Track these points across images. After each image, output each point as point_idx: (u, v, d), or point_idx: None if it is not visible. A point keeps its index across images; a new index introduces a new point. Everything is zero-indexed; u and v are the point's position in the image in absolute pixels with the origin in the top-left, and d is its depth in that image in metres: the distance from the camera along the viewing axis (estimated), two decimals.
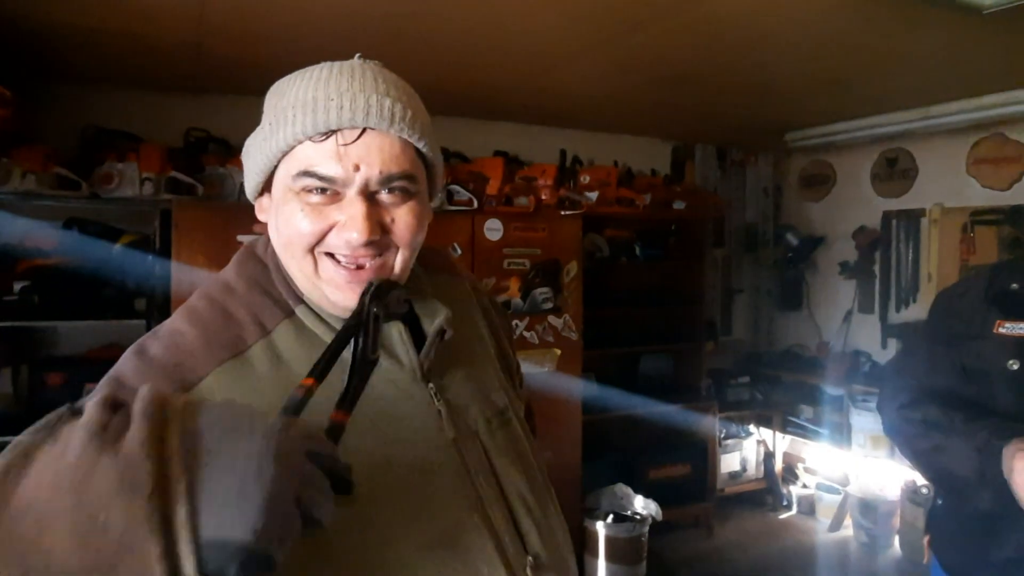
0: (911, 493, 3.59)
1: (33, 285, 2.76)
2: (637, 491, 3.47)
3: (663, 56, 2.65)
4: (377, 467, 0.70)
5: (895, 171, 4.15)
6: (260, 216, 0.77)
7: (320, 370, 0.57)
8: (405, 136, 0.70)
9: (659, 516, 3.41)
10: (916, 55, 2.66)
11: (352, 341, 0.60)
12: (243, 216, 2.91)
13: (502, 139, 3.76)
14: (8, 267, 2.76)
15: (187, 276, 2.78)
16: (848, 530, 3.91)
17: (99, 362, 2.97)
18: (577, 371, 3.41)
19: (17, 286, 2.76)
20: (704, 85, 3.08)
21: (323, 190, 0.69)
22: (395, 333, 0.76)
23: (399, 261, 0.73)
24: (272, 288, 0.75)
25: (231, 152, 3.09)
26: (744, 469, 4.26)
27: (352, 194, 0.69)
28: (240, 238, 2.89)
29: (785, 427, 4.34)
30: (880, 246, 4.17)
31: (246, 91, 3.27)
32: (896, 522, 3.69)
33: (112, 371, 0.70)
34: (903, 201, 4.10)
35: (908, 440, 1.38)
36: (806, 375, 4.29)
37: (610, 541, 3.26)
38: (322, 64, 0.73)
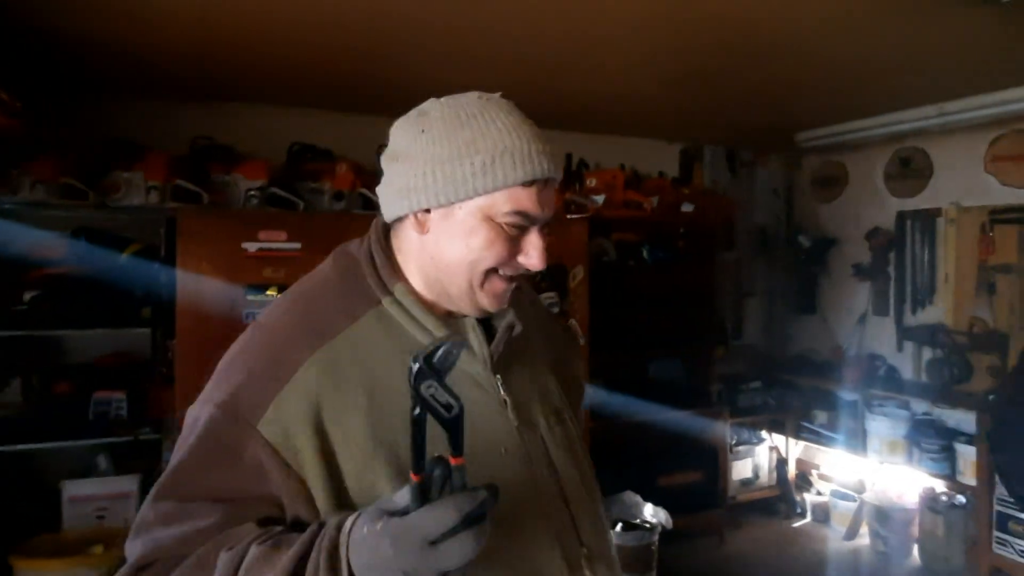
0: (930, 501, 3.51)
1: (43, 294, 2.79)
2: (647, 499, 3.42)
3: (671, 56, 2.62)
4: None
5: (909, 170, 4.07)
6: (420, 229, 0.86)
7: (415, 463, 0.66)
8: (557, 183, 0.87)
9: (669, 524, 3.35)
10: (931, 49, 2.59)
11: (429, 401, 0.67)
12: (248, 223, 2.92)
13: None
14: (18, 276, 2.80)
15: (192, 284, 2.79)
16: (864, 539, 3.82)
17: (106, 370, 3.02)
18: (584, 376, 3.37)
19: (27, 295, 2.79)
20: (714, 84, 3.05)
21: (522, 226, 0.83)
22: (469, 327, 0.89)
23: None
24: (363, 281, 0.87)
25: (236, 159, 3.10)
26: (756, 476, 4.19)
27: (536, 230, 0.84)
28: (245, 245, 2.90)
29: (798, 433, 4.26)
30: (894, 247, 4.09)
31: (251, 99, 3.30)
32: (915, 530, 3.60)
33: (218, 374, 0.84)
34: (918, 201, 4.02)
35: None
36: (820, 380, 4.22)
37: (619, 550, 3.21)
38: (486, 102, 0.85)
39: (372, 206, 3.16)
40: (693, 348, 4.02)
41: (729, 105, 3.45)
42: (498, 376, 0.88)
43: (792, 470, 4.31)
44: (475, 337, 0.88)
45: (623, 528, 3.25)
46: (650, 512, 3.36)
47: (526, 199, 0.82)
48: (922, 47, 2.57)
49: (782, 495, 4.24)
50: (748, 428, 4.18)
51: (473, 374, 0.87)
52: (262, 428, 0.77)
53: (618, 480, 3.54)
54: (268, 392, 0.79)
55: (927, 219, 3.94)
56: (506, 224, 0.82)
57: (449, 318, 0.89)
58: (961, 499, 3.39)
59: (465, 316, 0.89)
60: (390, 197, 0.86)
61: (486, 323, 0.91)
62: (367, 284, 0.87)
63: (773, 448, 4.29)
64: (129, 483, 2.82)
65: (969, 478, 3.28)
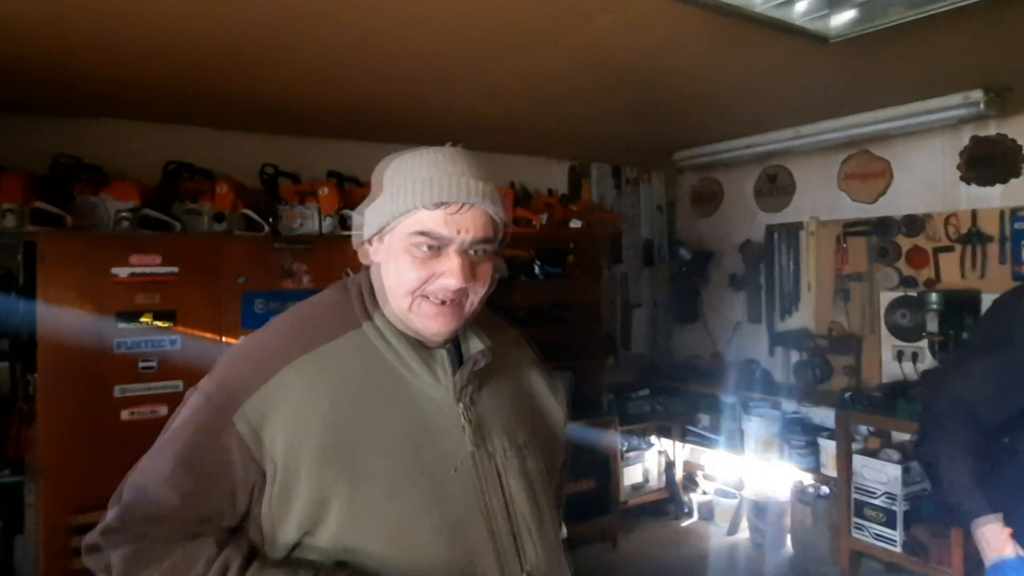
0: (799, 493, 3.79)
1: None
2: None
3: (541, 79, 2.71)
4: (406, 456, 0.91)
5: (775, 187, 4.41)
6: (373, 257, 1.00)
7: None
8: (490, 211, 0.95)
9: (564, 532, 3.43)
10: (775, 80, 2.84)
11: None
12: (118, 246, 2.77)
13: None
14: None
15: (56, 313, 2.61)
16: (745, 532, 4.08)
17: None
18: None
19: None
20: (592, 106, 3.18)
21: (431, 246, 0.93)
22: (438, 356, 0.97)
23: (475, 301, 0.97)
24: (349, 307, 0.99)
25: (104, 179, 2.93)
26: (646, 480, 4.37)
27: (452, 250, 0.93)
28: (115, 270, 2.75)
29: (684, 436, 4.48)
30: (764, 259, 4.40)
31: (121, 114, 3.13)
32: (788, 522, 3.88)
33: (222, 362, 0.97)
34: (784, 215, 4.35)
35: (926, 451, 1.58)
36: (702, 385, 4.46)
37: None
38: (432, 150, 0.98)
39: (255, 227, 3.09)
40: (584, 360, 4.15)
41: (612, 125, 3.61)
42: (460, 403, 0.96)
43: (680, 472, 4.53)
44: (441, 366, 0.97)
45: None
46: None
47: (430, 220, 0.92)
48: (765, 78, 2.80)
49: (671, 497, 4.45)
50: (638, 435, 4.35)
51: (437, 399, 0.96)
52: (237, 420, 0.88)
53: None
54: (248, 389, 0.90)
55: (791, 232, 4.28)
56: (416, 245, 0.92)
57: (424, 345, 0.98)
58: (826, 490, 3.69)
59: (440, 347, 0.98)
60: (359, 231, 1.01)
61: (460, 354, 1.02)
62: (351, 310, 0.99)
63: (662, 452, 4.49)
64: None
65: (831, 470, 3.57)
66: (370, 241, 0.99)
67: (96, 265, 2.72)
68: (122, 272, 2.76)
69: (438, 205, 0.91)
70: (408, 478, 0.90)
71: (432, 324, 0.95)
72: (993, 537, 1.44)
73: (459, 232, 0.92)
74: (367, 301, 0.99)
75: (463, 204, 0.92)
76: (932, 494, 3.14)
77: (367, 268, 1.04)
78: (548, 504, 1.01)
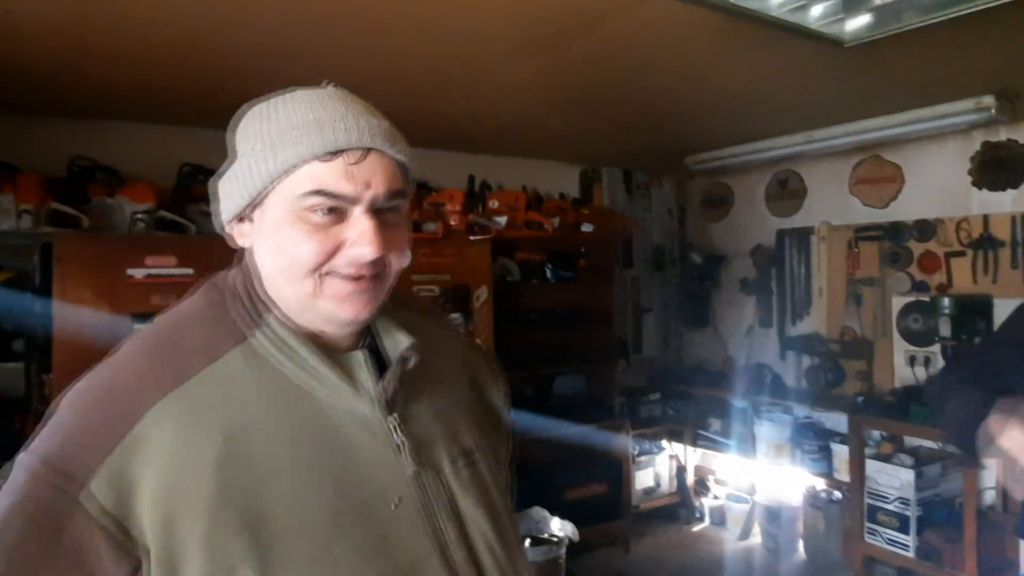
0: (812, 498, 3.77)
1: None
2: (554, 512, 3.48)
3: (558, 82, 2.73)
4: (330, 499, 0.69)
5: (786, 191, 4.40)
6: (241, 242, 0.77)
7: None
8: (401, 157, 0.74)
9: (576, 537, 3.42)
10: (790, 84, 2.84)
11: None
12: (133, 248, 2.79)
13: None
14: None
15: (70, 313, 2.63)
16: (757, 538, 4.06)
17: None
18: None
19: None
20: (603, 110, 3.19)
21: (331, 209, 0.70)
22: (357, 360, 0.75)
23: (392, 275, 0.76)
24: (226, 316, 0.75)
25: (120, 181, 2.96)
26: (658, 484, 4.36)
27: (359, 212, 0.71)
28: (130, 272, 2.77)
29: (695, 441, 4.47)
30: (775, 263, 4.39)
31: (137, 117, 3.15)
32: (800, 527, 3.86)
33: (56, 415, 0.69)
34: (794, 220, 4.34)
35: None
36: (714, 389, 4.45)
37: None
38: (300, 90, 0.76)
39: None
40: (595, 363, 4.15)
41: (623, 129, 3.62)
42: (392, 416, 0.75)
43: (691, 477, 4.51)
44: (363, 372, 0.75)
45: (531, 543, 3.30)
46: (557, 526, 3.43)
47: (327, 175, 0.69)
48: (781, 83, 2.81)
49: (682, 501, 4.43)
50: (649, 439, 4.34)
51: (359, 416, 0.74)
52: (85, 499, 0.63)
53: (526, 496, 3.60)
54: (102, 447, 0.65)
55: (802, 237, 4.27)
56: (310, 209, 0.70)
57: (334, 350, 0.76)
58: (838, 495, 3.67)
59: (355, 349, 0.77)
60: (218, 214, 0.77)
61: (378, 355, 0.79)
62: (230, 319, 0.74)
63: (673, 457, 4.47)
64: None
65: (844, 475, 3.55)
66: (240, 219, 0.75)
67: (112, 266, 2.74)
68: (138, 273, 2.78)
69: (334, 154, 0.69)
70: (338, 531, 0.69)
71: (347, 309, 0.73)
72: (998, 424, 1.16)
73: (367, 187, 0.70)
74: (251, 302, 0.75)
75: (367, 150, 0.71)
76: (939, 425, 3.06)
77: (240, 259, 0.80)
78: (507, 512, 0.84)
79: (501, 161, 4.17)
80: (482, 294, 3.51)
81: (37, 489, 0.64)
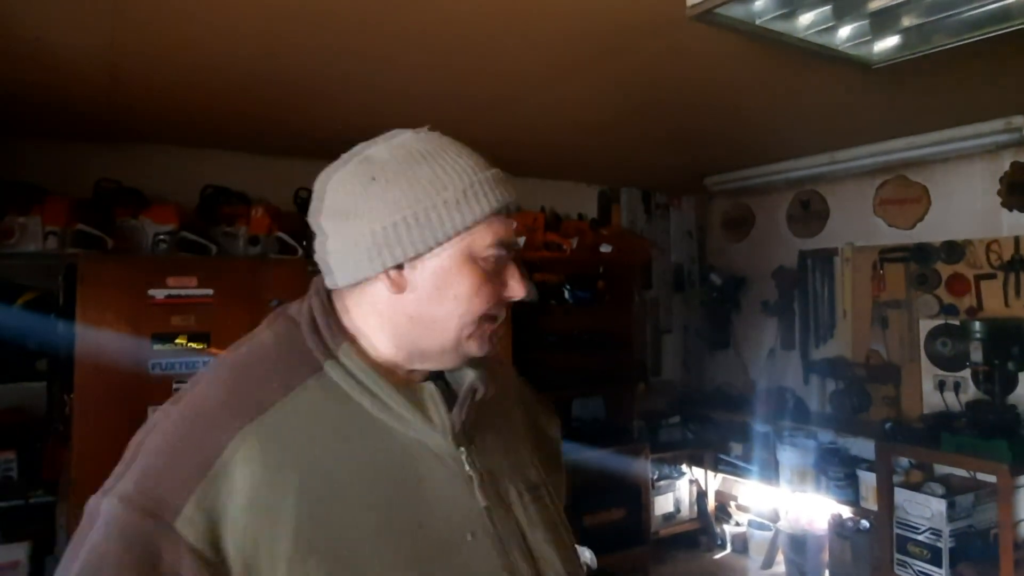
0: (838, 527, 3.67)
1: None
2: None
3: (586, 106, 2.73)
4: (410, 534, 0.71)
5: (809, 212, 4.35)
6: (402, 289, 0.76)
7: None
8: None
9: (594, 564, 3.33)
10: (815, 105, 2.82)
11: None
12: (155, 269, 2.81)
13: None
14: None
15: (93, 334, 2.64)
16: (780, 566, 3.95)
17: (1, 426, 2.80)
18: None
19: None
20: (627, 132, 3.18)
21: (502, 258, 0.77)
22: (427, 393, 0.77)
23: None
24: (302, 345, 0.76)
25: (144, 203, 2.98)
26: (678, 510, 4.28)
27: (511, 260, 0.78)
28: (152, 292, 2.79)
29: (716, 465, 4.39)
30: (798, 285, 4.33)
31: (161, 140, 3.19)
32: (826, 556, 3.75)
33: (138, 450, 0.70)
34: (817, 241, 4.28)
35: None
36: (735, 413, 4.37)
37: None
38: (432, 134, 0.80)
39: (289, 250, 3.11)
40: (614, 386, 4.11)
41: (645, 151, 3.60)
42: (462, 448, 0.77)
43: (712, 502, 4.43)
44: (433, 404, 0.76)
45: None
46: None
47: (502, 228, 0.76)
48: (807, 104, 2.79)
49: (703, 527, 4.34)
50: (669, 463, 4.27)
51: (432, 447, 0.75)
52: (181, 525, 0.64)
53: None
54: (189, 482, 0.66)
55: (826, 258, 4.21)
56: (488, 259, 0.75)
57: (407, 381, 0.78)
58: (865, 524, 3.57)
59: (424, 380, 0.79)
60: (345, 258, 0.75)
61: (446, 386, 0.82)
62: (306, 348, 0.76)
63: (693, 481, 4.40)
64: (18, 552, 2.60)
65: (871, 503, 3.46)
66: (400, 267, 0.75)
67: (134, 287, 2.76)
68: (159, 294, 2.80)
69: (502, 210, 0.76)
70: (417, 564, 0.70)
71: (485, 347, 0.78)
72: None
73: (518, 236, 0.79)
74: (329, 332, 0.77)
75: (511, 205, 0.77)
76: None
77: (318, 295, 0.81)
78: (572, 548, 0.85)
79: (520, 182, 4.16)
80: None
81: (132, 518, 0.64)
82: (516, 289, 0.78)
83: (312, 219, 0.79)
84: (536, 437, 0.92)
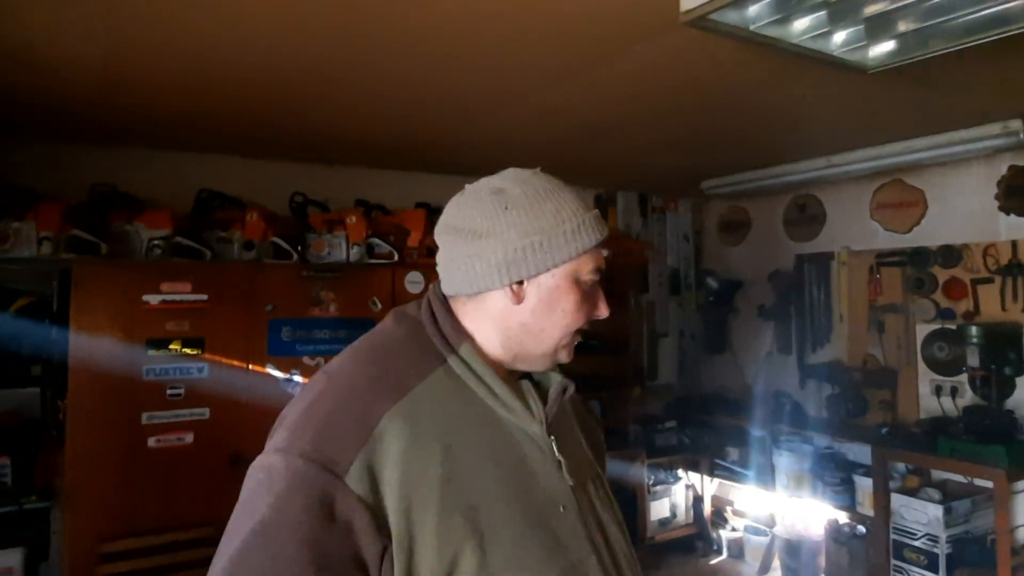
0: (834, 532, 3.67)
1: None
2: None
3: (577, 110, 2.72)
4: (520, 500, 0.86)
5: (805, 216, 4.34)
6: (520, 300, 0.91)
7: None
8: None
9: None
10: (812, 110, 2.82)
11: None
12: (150, 274, 2.80)
13: (424, 190, 3.75)
14: None
15: (87, 339, 2.64)
16: (777, 572, 3.94)
17: None
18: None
19: None
20: (624, 136, 3.17)
21: (595, 283, 0.94)
22: (527, 387, 0.94)
23: None
24: (428, 340, 0.92)
25: (138, 207, 2.97)
26: (674, 515, 4.26)
27: (599, 285, 0.95)
28: (146, 297, 2.78)
29: (713, 470, 4.38)
30: (794, 289, 4.32)
31: (156, 144, 3.18)
32: (822, 561, 3.75)
33: (296, 418, 0.84)
34: (814, 245, 4.28)
35: None
36: (731, 417, 4.36)
37: None
38: (544, 174, 0.98)
39: (284, 255, 3.10)
40: (610, 390, 4.10)
41: (641, 154, 3.59)
42: (552, 436, 0.92)
43: (708, 507, 4.41)
44: (532, 398, 0.93)
45: None
46: None
47: (600, 258, 0.94)
48: (803, 108, 2.78)
49: (699, 533, 4.33)
50: (664, 468, 4.26)
51: (531, 434, 0.91)
52: (351, 479, 0.77)
53: None
54: (353, 443, 0.79)
55: (822, 262, 4.20)
56: (587, 282, 0.92)
57: (509, 377, 0.95)
58: (862, 529, 3.56)
59: (522, 377, 0.96)
60: (472, 271, 0.90)
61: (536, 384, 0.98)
62: (432, 343, 0.92)
63: (689, 486, 4.38)
64: (12, 558, 2.59)
65: (867, 509, 3.45)
66: (521, 283, 0.90)
67: (128, 292, 2.75)
68: (153, 299, 2.79)
69: (602, 242, 0.94)
70: (529, 527, 0.84)
71: (570, 355, 0.96)
72: None
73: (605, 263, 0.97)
74: (449, 334, 0.92)
75: None
76: None
77: (437, 299, 0.96)
78: (627, 531, 1.01)
79: None
80: None
81: (312, 470, 0.77)
82: (603, 309, 0.95)
83: (438, 235, 0.96)
84: (588, 437, 1.06)
